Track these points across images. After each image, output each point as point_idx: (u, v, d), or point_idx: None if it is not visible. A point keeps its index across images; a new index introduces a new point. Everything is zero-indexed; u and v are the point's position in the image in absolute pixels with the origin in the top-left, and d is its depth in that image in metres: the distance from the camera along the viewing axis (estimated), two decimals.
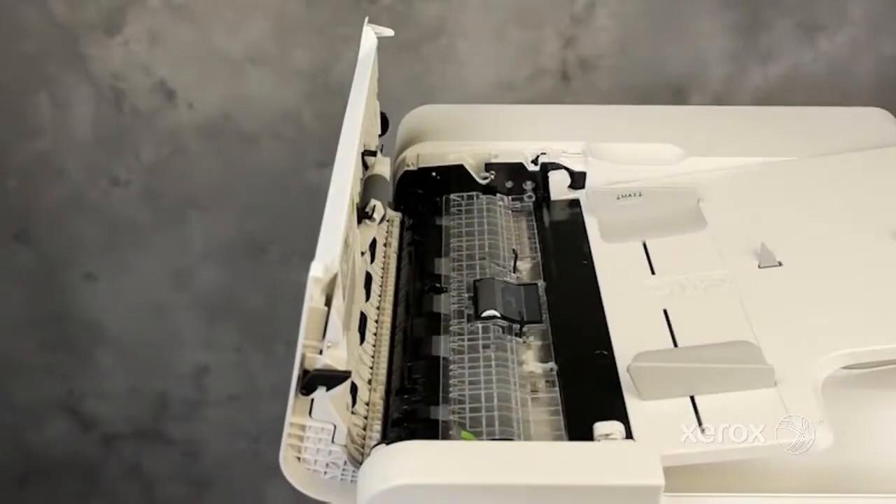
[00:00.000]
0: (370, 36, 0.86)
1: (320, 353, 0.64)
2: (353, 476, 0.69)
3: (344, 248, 0.67)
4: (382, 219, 0.85)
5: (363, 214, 0.80)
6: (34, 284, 1.52)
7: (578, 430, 0.69)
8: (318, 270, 0.62)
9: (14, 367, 1.60)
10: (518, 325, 0.79)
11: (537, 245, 0.90)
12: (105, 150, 1.41)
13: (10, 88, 1.37)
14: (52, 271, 1.51)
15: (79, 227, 1.47)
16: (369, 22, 0.87)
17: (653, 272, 0.85)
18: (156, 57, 1.35)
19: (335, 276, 0.63)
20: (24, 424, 1.66)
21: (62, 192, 1.44)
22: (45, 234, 1.48)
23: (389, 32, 0.87)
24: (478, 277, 0.84)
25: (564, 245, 0.89)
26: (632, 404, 0.71)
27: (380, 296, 0.85)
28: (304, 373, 0.64)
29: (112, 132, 1.39)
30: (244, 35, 1.33)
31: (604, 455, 0.65)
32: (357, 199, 0.78)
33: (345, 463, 0.69)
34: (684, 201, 0.93)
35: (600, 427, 0.68)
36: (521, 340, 0.78)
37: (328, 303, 0.64)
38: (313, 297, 0.62)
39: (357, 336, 0.75)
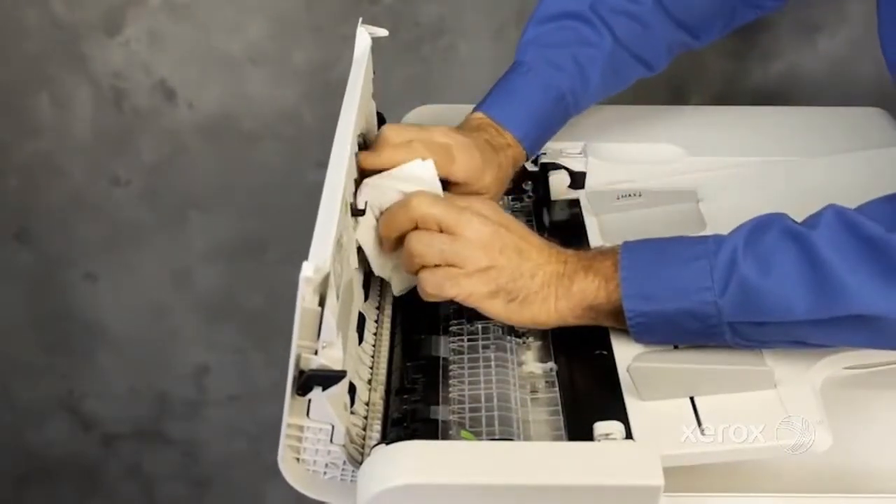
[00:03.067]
0: (364, 36, 0.86)
1: (315, 353, 0.64)
2: (352, 476, 0.69)
3: (337, 249, 0.67)
4: None
5: (358, 213, 0.80)
6: (34, 284, 1.52)
7: (578, 430, 0.69)
8: (309, 270, 0.62)
9: (14, 367, 1.60)
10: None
11: None
12: (105, 150, 1.41)
13: (10, 88, 1.37)
14: (52, 271, 1.51)
15: (79, 227, 1.47)
16: (367, 22, 0.87)
17: None
18: (156, 57, 1.35)
19: (327, 276, 0.63)
20: (24, 424, 1.66)
21: (62, 192, 1.44)
22: (45, 234, 1.48)
23: (383, 33, 0.87)
24: None
25: (564, 245, 0.89)
26: (632, 404, 0.71)
27: (379, 296, 0.84)
28: (300, 373, 0.64)
29: (112, 132, 1.39)
30: (244, 35, 1.33)
31: (604, 455, 0.65)
32: (351, 199, 0.78)
33: (344, 463, 0.69)
34: (684, 201, 0.93)
35: (600, 427, 0.68)
36: (520, 340, 0.78)
37: (322, 303, 0.64)
38: (305, 297, 0.62)
39: (355, 336, 0.75)
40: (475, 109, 0.92)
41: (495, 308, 0.76)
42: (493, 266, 0.75)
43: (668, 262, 0.74)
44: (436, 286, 0.75)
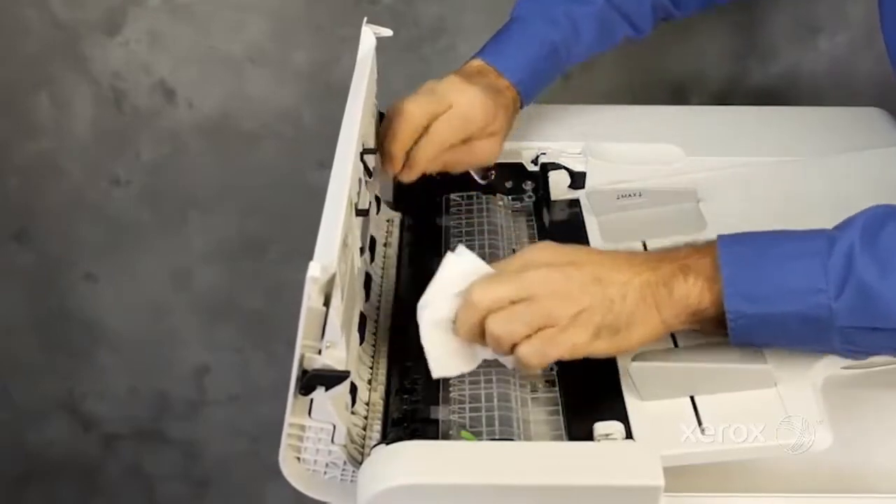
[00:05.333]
0: (369, 36, 0.86)
1: (319, 353, 0.64)
2: (353, 476, 0.69)
3: (342, 248, 0.67)
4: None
5: (362, 213, 0.80)
6: (34, 284, 1.52)
7: (578, 430, 0.69)
8: (316, 270, 0.62)
9: (14, 367, 1.60)
10: None
11: None
12: (105, 150, 1.41)
13: (10, 88, 1.37)
14: (52, 271, 1.51)
15: (79, 227, 1.47)
16: (368, 22, 0.87)
17: None
18: (156, 57, 1.34)
19: (333, 276, 0.63)
20: (24, 424, 1.66)
21: (62, 192, 1.44)
22: (45, 234, 1.48)
23: (388, 32, 0.87)
24: None
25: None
26: (632, 404, 0.71)
27: (380, 296, 0.85)
28: (303, 373, 0.64)
29: (112, 132, 1.39)
30: (244, 35, 1.33)
31: (604, 455, 0.65)
32: (356, 199, 0.78)
33: (344, 463, 0.69)
34: (684, 201, 0.93)
35: (600, 427, 0.68)
36: None
37: (327, 303, 0.64)
38: (311, 296, 0.62)
39: (357, 336, 0.75)
40: (473, 57, 0.95)
41: (604, 348, 0.71)
42: (581, 309, 0.70)
43: (774, 260, 0.69)
44: (538, 355, 0.70)
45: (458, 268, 0.74)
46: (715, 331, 0.71)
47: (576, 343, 0.70)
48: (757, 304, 0.68)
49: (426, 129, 0.88)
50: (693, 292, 0.70)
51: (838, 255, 0.67)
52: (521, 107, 0.95)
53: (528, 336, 0.70)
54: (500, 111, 0.91)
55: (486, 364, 0.75)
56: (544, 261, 0.72)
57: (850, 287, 0.67)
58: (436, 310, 0.73)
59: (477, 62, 0.94)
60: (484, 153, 0.92)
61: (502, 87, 0.93)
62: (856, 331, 0.68)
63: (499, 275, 0.73)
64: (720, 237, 0.71)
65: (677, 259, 0.71)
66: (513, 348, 0.71)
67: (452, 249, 0.76)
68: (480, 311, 0.71)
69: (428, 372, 0.75)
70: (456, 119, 0.88)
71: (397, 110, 0.87)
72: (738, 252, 0.70)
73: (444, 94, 0.88)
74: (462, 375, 0.74)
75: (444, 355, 0.73)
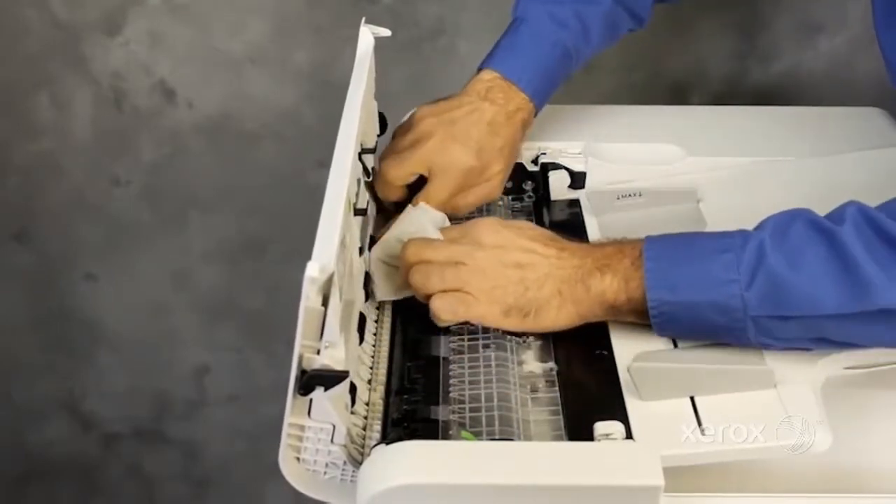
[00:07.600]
0: (367, 36, 0.86)
1: (318, 353, 0.64)
2: (352, 476, 0.69)
3: (341, 248, 0.67)
4: None
5: (361, 212, 0.80)
6: (34, 284, 1.52)
7: (578, 430, 0.69)
8: (314, 270, 0.62)
9: (14, 367, 1.60)
10: None
11: None
12: (105, 150, 1.41)
13: (11, 88, 1.37)
14: (52, 271, 1.51)
15: (79, 227, 1.47)
16: (367, 22, 0.87)
17: None
18: (156, 57, 1.35)
19: (331, 276, 0.63)
20: (24, 424, 1.66)
21: (63, 192, 1.44)
22: (45, 234, 1.48)
23: (386, 32, 0.87)
24: None
25: None
26: (632, 404, 0.71)
27: None
28: (302, 373, 0.64)
29: (112, 132, 1.39)
30: (244, 35, 1.34)
31: (604, 455, 0.65)
32: (355, 199, 0.78)
33: (344, 463, 0.69)
34: (684, 201, 0.93)
35: (600, 427, 0.68)
36: (520, 340, 0.78)
37: (325, 303, 0.64)
38: (309, 296, 0.62)
39: (356, 336, 0.75)
40: (483, 66, 0.93)
41: (512, 324, 0.77)
42: (496, 286, 0.76)
43: (693, 255, 0.74)
44: (449, 311, 0.77)
45: (416, 221, 0.85)
46: (633, 320, 0.76)
47: (485, 315, 0.77)
48: (676, 293, 0.73)
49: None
50: (610, 289, 0.75)
51: (751, 248, 0.72)
52: (534, 116, 0.94)
53: (445, 291, 0.77)
54: (497, 157, 0.90)
55: (486, 364, 0.75)
56: (478, 237, 0.79)
57: (760, 277, 0.71)
58: (385, 248, 0.84)
59: (488, 74, 0.92)
60: (479, 198, 0.91)
61: (512, 111, 0.91)
62: (768, 320, 0.72)
63: (435, 241, 0.81)
64: (647, 237, 0.76)
65: (599, 258, 0.77)
66: (429, 299, 0.77)
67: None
68: (408, 265, 0.79)
69: (428, 372, 0.75)
70: (440, 184, 0.88)
71: (381, 172, 0.89)
72: (660, 248, 0.75)
73: (431, 155, 0.88)
74: (462, 375, 0.75)
75: (386, 285, 0.83)
